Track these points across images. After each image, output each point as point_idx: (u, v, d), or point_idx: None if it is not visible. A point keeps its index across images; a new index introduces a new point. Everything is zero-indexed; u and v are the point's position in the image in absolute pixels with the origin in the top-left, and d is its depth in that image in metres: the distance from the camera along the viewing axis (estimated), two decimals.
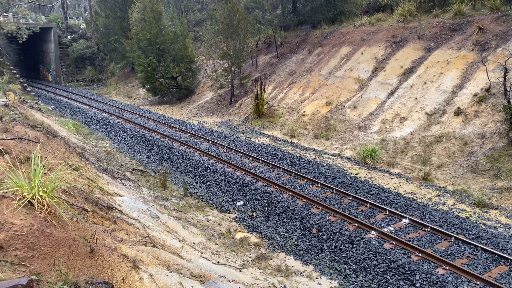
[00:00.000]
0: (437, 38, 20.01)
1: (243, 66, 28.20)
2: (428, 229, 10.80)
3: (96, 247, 4.88)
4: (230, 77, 26.94)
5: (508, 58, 14.73)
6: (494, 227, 10.97)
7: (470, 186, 13.22)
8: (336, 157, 17.22)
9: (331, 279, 9.18)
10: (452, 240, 10.24)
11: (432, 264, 9.32)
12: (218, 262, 8.30)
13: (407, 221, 11.32)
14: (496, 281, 8.57)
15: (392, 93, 19.32)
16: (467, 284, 8.53)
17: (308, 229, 11.26)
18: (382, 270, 9.24)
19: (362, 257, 9.77)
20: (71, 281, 3.93)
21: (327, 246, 10.44)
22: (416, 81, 18.82)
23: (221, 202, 13.39)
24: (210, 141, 19.82)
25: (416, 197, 13.07)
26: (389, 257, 9.50)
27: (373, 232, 10.73)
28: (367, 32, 23.89)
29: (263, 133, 21.36)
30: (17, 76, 33.94)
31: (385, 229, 10.93)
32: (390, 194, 13.23)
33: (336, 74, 22.80)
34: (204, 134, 21.32)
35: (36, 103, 26.37)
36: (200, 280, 6.15)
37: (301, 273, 9.41)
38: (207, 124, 24.50)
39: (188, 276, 6.06)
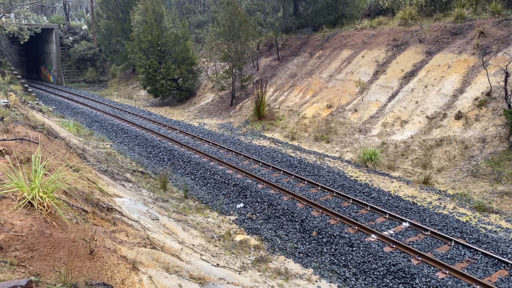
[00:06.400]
0: (438, 41, 20.03)
1: (244, 68, 28.23)
2: (428, 232, 10.79)
3: (96, 248, 4.88)
4: (231, 79, 26.97)
5: (509, 62, 14.75)
6: (494, 231, 10.95)
7: (470, 190, 13.20)
8: (336, 160, 17.21)
9: (330, 282, 9.17)
10: (452, 244, 10.23)
11: (432, 268, 9.30)
12: (217, 264, 8.29)
13: (407, 224, 11.31)
14: (496, 285, 8.55)
15: (393, 96, 19.33)
16: None
17: (308, 232, 11.25)
18: (382, 273, 9.22)
19: (362, 260, 9.75)
20: (70, 283, 3.92)
21: (327, 249, 10.43)
22: (417, 84, 18.83)
23: (221, 204, 13.38)
24: (210, 143, 19.82)
25: (417, 200, 13.05)
26: (389, 261, 9.49)
27: (373, 236, 10.71)
28: (368, 35, 23.92)
29: (264, 136, 21.37)
30: (19, 76, 34.03)
31: (385, 233, 10.92)
32: (390, 198, 13.22)
33: (337, 77, 22.81)
34: (205, 136, 21.32)
35: (37, 104, 26.42)
36: (200, 282, 6.14)
37: (300, 276, 9.40)
38: (207, 126, 24.51)
39: (188, 278, 6.05)
